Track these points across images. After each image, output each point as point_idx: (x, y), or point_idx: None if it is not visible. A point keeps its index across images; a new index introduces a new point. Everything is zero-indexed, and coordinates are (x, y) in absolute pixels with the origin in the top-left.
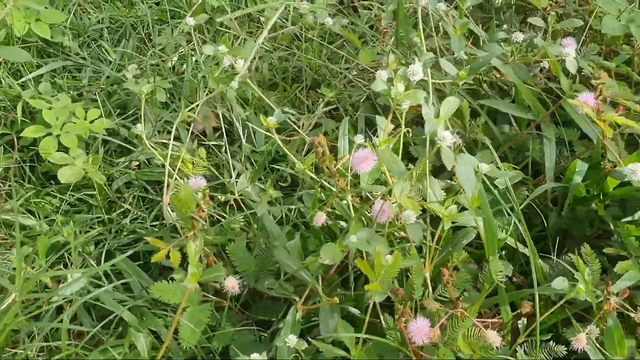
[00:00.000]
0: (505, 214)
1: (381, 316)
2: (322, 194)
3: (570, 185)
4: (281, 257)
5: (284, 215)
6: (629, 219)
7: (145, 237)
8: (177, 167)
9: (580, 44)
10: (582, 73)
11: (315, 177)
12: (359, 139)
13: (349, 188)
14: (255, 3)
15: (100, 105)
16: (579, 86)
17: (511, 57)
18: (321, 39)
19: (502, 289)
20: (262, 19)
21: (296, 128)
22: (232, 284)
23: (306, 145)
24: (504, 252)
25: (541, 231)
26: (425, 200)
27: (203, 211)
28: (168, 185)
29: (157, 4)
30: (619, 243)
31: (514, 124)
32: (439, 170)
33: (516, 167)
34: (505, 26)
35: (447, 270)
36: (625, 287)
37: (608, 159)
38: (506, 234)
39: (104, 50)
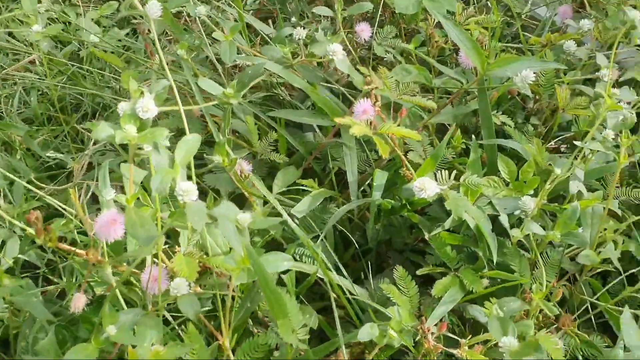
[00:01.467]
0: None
1: None
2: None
3: (372, 200)
4: None
5: None
6: (439, 230)
7: None
8: None
9: (378, 26)
10: (384, 59)
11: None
12: (109, 194)
13: (106, 258)
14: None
15: None
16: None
17: (296, 57)
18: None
19: (307, 351)
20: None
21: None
22: None
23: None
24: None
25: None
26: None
27: None
28: None
29: None
30: (436, 255)
31: (318, 131)
32: None
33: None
34: (293, 19)
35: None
36: (445, 312)
37: (406, 166)
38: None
39: None
